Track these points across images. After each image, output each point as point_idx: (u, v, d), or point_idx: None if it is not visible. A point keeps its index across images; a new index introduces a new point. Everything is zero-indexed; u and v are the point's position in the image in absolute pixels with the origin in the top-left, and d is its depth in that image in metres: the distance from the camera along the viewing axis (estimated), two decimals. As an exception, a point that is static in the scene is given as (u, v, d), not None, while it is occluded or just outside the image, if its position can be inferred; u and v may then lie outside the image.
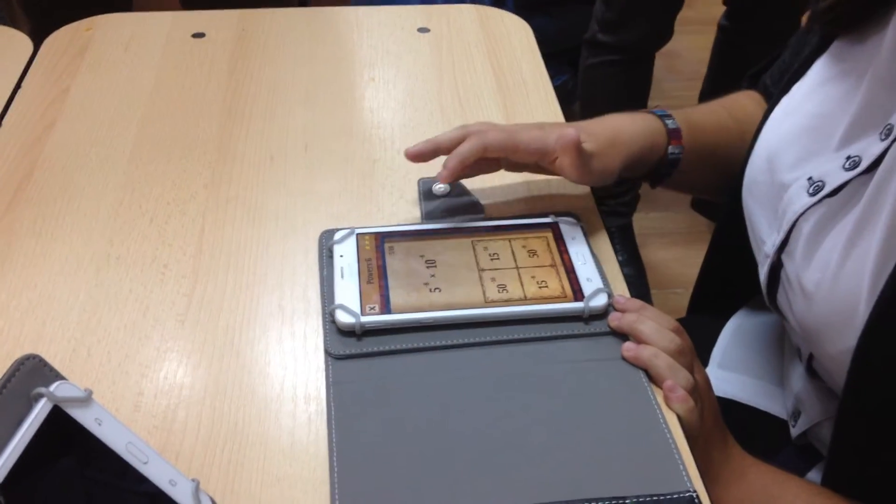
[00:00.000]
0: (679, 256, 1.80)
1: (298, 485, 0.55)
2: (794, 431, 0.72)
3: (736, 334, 0.84)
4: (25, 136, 0.84)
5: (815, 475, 0.71)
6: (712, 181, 0.77)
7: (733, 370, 0.81)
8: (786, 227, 0.63)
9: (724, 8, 1.68)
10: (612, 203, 1.72)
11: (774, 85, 0.76)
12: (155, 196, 0.77)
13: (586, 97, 1.70)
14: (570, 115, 0.89)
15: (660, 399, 0.60)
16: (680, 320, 0.68)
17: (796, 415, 0.72)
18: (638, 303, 0.65)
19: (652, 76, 1.69)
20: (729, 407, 0.75)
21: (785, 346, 0.78)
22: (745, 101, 0.78)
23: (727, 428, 0.65)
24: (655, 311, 0.64)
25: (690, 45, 2.26)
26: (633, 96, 1.69)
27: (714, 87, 1.82)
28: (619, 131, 0.72)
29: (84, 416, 0.45)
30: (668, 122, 0.74)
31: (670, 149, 0.73)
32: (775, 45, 1.81)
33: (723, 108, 0.79)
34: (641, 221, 1.82)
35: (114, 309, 0.66)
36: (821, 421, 0.69)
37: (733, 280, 0.83)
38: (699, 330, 0.74)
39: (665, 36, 1.62)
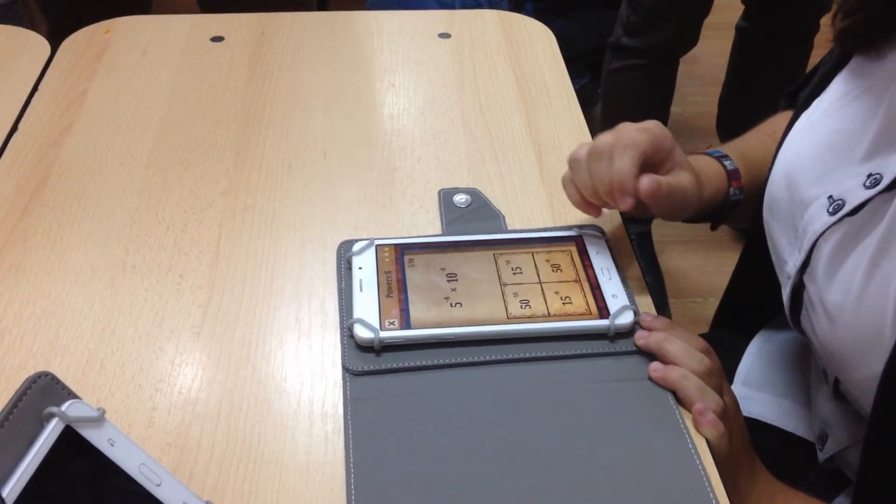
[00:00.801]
0: (699, 265, 1.78)
1: (315, 506, 0.53)
2: (822, 456, 0.70)
3: (762, 351, 0.82)
4: (42, 139, 0.83)
5: (843, 500, 0.69)
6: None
7: (759, 389, 0.79)
8: (806, 247, 0.61)
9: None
10: (632, 211, 1.70)
11: None
12: (172, 203, 0.76)
13: (609, 101, 1.68)
14: (589, 119, 0.87)
15: (688, 422, 0.58)
16: (703, 335, 0.66)
17: (823, 438, 0.70)
18: (666, 321, 0.63)
19: (675, 81, 1.67)
20: (755, 427, 0.73)
21: (812, 368, 0.76)
22: (783, 123, 0.76)
23: (755, 451, 0.63)
24: (684, 331, 0.63)
25: (710, 50, 2.23)
26: (657, 101, 1.67)
27: (733, 90, 1.80)
28: (698, 170, 0.69)
29: (96, 437, 0.44)
30: (727, 163, 0.72)
31: (731, 190, 0.71)
32: (793, 46, 1.77)
33: (768, 137, 0.76)
34: (661, 229, 1.80)
35: (128, 319, 0.65)
36: (848, 445, 0.67)
37: (760, 298, 0.81)
38: (724, 346, 0.72)
39: (690, 41, 1.60)
